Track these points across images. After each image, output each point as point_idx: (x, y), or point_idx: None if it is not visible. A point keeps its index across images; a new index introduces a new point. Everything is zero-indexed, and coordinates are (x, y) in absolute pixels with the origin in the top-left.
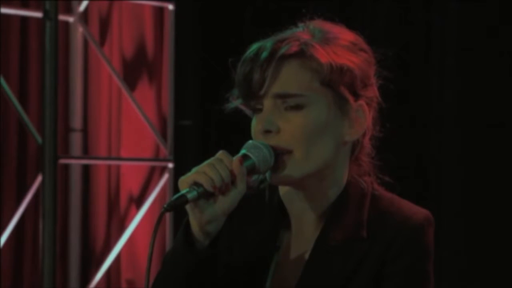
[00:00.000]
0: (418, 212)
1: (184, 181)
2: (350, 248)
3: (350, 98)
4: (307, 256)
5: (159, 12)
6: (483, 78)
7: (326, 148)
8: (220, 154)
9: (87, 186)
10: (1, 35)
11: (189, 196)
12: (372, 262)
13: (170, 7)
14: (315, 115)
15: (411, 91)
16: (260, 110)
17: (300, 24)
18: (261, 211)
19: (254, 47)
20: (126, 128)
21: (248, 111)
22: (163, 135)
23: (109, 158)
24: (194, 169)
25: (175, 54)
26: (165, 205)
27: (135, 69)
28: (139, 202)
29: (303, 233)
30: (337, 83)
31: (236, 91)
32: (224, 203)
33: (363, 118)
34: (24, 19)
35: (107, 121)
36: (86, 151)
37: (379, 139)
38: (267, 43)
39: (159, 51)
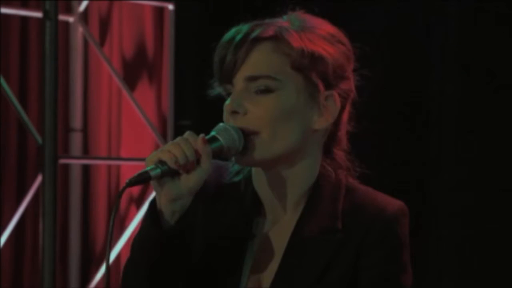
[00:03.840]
0: (392, 203)
1: (149, 160)
2: (326, 240)
3: (320, 85)
4: (283, 247)
5: (159, 12)
6: (483, 78)
7: (293, 132)
8: (187, 134)
9: (87, 186)
10: (1, 35)
11: (152, 173)
12: (348, 253)
13: (170, 7)
14: (284, 99)
15: (411, 91)
16: (232, 93)
17: (283, 16)
18: (237, 200)
19: (231, 31)
20: (126, 128)
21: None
22: (163, 135)
23: (109, 158)
24: (160, 148)
25: (175, 54)
26: (127, 180)
27: (135, 69)
28: (139, 202)
29: (278, 222)
30: (307, 69)
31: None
32: (189, 181)
33: (334, 108)
34: (24, 19)
35: (107, 121)
36: (86, 151)
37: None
38: (244, 27)
39: (159, 51)
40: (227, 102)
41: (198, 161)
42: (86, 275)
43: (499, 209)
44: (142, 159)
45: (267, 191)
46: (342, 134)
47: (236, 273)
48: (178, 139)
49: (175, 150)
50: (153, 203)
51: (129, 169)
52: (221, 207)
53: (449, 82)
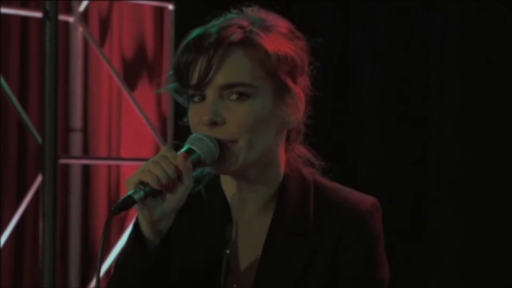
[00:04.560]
0: (364, 199)
1: (130, 181)
2: (300, 242)
3: (292, 86)
4: (257, 253)
5: (159, 12)
6: (483, 77)
7: (268, 135)
8: (164, 150)
9: (87, 186)
10: (1, 35)
11: (136, 196)
12: (324, 253)
13: (170, 7)
14: (260, 104)
15: (411, 91)
16: (200, 99)
17: (234, 10)
18: (205, 211)
19: (196, 32)
20: (126, 128)
21: (179, 98)
22: (163, 135)
23: (109, 158)
24: (139, 168)
25: (175, 54)
26: (112, 208)
27: (135, 69)
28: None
29: (249, 228)
30: (280, 72)
31: (174, 76)
32: (172, 200)
33: (300, 105)
34: (24, 19)
35: (107, 121)
36: (86, 151)
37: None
38: (211, 29)
39: (159, 51)
40: (195, 110)
41: (179, 178)
42: (86, 275)
43: (499, 208)
44: (142, 159)
45: (236, 197)
46: (301, 128)
47: (215, 284)
48: (157, 157)
49: (156, 169)
50: (136, 224)
51: (129, 169)
52: (191, 220)
53: (449, 82)
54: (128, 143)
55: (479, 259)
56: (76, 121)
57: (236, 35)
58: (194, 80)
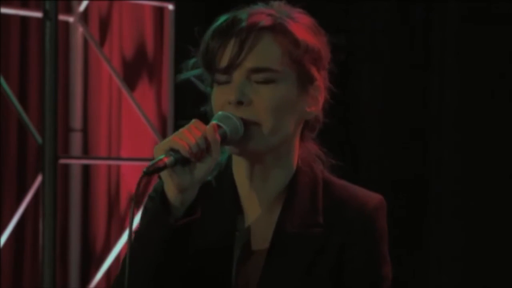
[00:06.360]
0: (372, 197)
1: (160, 148)
2: (309, 235)
3: (316, 76)
4: (266, 244)
5: (159, 12)
6: (483, 78)
7: (290, 123)
8: (194, 121)
9: (87, 186)
10: (1, 35)
11: (167, 161)
12: (332, 248)
13: (170, 7)
14: (284, 89)
15: (411, 91)
16: (227, 82)
17: (260, 3)
18: (216, 200)
19: (225, 18)
20: (126, 128)
21: (201, 85)
22: (163, 135)
23: (109, 158)
24: (170, 136)
25: (175, 54)
26: (144, 170)
27: (135, 69)
28: (139, 202)
29: (258, 219)
30: (305, 61)
31: (201, 62)
32: (200, 170)
33: (320, 98)
34: (24, 19)
35: (107, 121)
36: (86, 151)
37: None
38: (241, 15)
39: (159, 51)
40: (220, 92)
41: (207, 149)
42: (86, 275)
43: (499, 208)
44: (142, 159)
45: (247, 187)
46: (316, 124)
47: (226, 272)
48: (187, 127)
49: (187, 138)
50: (162, 193)
51: (129, 169)
52: (201, 209)
53: (449, 83)
54: (128, 143)
55: (480, 260)
56: (76, 121)
57: (267, 21)
58: (224, 63)
